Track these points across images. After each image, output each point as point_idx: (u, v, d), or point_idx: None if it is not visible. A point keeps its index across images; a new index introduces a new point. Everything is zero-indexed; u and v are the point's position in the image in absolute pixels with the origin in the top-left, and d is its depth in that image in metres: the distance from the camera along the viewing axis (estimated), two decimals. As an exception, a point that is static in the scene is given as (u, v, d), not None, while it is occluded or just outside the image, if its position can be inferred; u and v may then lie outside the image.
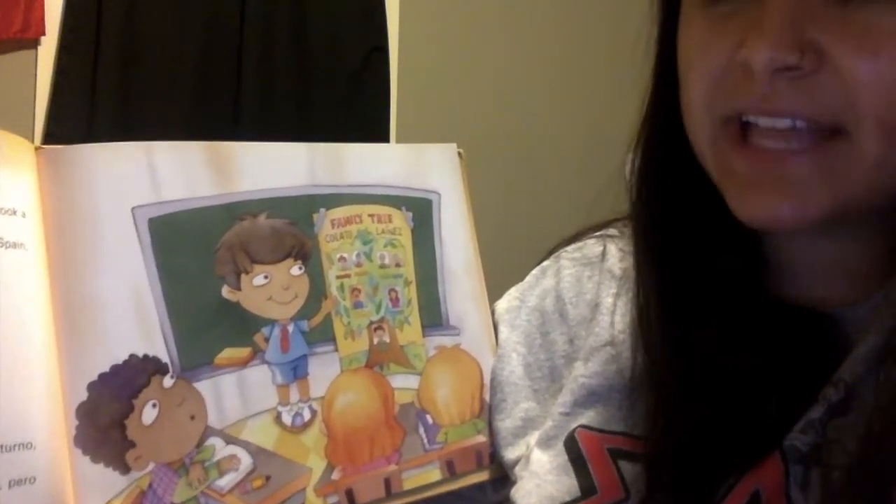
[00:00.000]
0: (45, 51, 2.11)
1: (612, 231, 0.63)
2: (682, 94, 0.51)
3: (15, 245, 0.47)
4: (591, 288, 0.62)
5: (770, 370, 0.50)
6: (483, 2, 2.60)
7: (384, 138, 2.43)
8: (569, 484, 0.54)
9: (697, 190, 0.53)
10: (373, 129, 2.41)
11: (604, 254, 0.63)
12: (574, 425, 0.56)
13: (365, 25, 2.42)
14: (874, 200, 0.47)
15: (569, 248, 0.65)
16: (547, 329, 0.62)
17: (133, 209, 0.51)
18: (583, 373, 0.58)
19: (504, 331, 0.64)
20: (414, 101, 2.49)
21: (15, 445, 0.45)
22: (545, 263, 0.66)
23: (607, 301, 0.60)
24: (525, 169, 2.61)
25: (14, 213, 0.48)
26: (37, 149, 0.50)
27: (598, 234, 0.64)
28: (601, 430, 0.56)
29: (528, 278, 0.66)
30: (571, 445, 0.56)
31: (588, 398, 0.57)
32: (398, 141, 2.46)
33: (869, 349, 0.48)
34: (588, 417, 0.56)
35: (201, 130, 2.17)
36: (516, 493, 0.57)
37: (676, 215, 0.54)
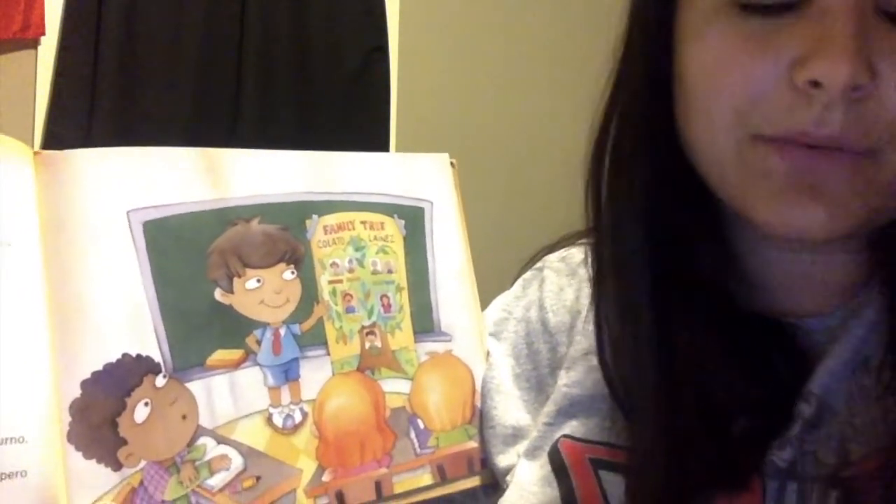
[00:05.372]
0: (45, 51, 2.10)
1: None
2: (691, 111, 0.49)
3: (9, 244, 0.48)
4: (570, 295, 0.62)
5: (742, 381, 0.50)
6: (483, 2, 2.60)
7: (384, 138, 2.43)
8: (551, 495, 0.54)
9: (663, 206, 0.52)
10: (372, 129, 2.40)
11: (585, 260, 0.62)
12: (557, 435, 0.56)
13: (365, 25, 2.42)
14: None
15: (552, 257, 0.65)
16: (532, 339, 0.62)
17: (128, 212, 0.52)
18: (565, 382, 0.58)
19: (492, 343, 0.64)
20: (414, 101, 2.48)
21: (6, 439, 0.46)
22: (528, 274, 0.66)
23: (587, 308, 0.60)
24: (525, 170, 2.60)
25: (9, 214, 0.49)
26: (35, 153, 0.51)
27: (582, 241, 0.63)
28: (584, 440, 0.55)
29: (513, 288, 0.66)
30: (555, 456, 0.56)
31: (570, 408, 0.57)
32: (398, 142, 2.46)
33: (838, 360, 0.48)
34: (571, 427, 0.56)
35: (201, 130, 2.18)
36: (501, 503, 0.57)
37: (644, 230, 0.53)
